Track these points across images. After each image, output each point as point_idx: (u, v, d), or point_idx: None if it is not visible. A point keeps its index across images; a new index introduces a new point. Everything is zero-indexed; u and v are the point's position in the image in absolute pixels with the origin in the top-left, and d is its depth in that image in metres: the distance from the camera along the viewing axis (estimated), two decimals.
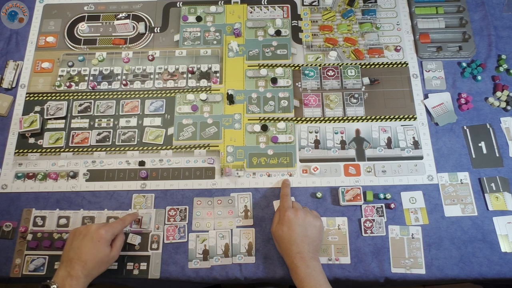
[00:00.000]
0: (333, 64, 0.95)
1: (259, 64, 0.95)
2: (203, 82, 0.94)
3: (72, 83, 0.94)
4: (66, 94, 0.94)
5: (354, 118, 0.90)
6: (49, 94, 0.94)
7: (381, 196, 0.83)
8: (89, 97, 0.93)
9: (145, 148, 0.89)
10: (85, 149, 0.89)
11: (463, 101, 0.90)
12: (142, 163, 0.87)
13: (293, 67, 0.95)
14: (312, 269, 0.70)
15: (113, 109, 0.92)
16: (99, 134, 0.90)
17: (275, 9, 1.01)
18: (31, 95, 0.94)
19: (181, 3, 1.02)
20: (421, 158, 0.86)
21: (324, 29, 0.98)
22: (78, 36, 0.99)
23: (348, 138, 0.88)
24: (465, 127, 0.89)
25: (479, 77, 0.92)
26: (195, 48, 0.98)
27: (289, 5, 1.01)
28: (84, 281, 0.68)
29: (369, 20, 0.99)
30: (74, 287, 0.67)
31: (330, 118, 0.90)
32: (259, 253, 0.80)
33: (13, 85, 0.94)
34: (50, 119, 0.91)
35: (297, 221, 0.74)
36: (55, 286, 0.66)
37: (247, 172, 0.86)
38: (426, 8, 0.98)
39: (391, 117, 0.90)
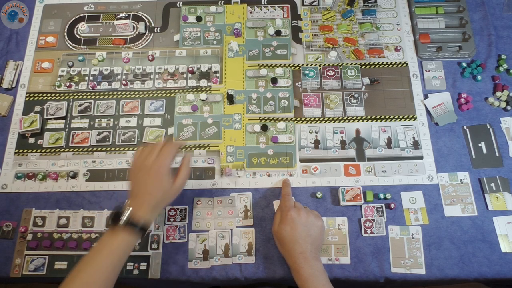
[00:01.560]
0: (333, 64, 0.95)
1: (259, 64, 0.95)
2: (203, 82, 0.94)
3: (72, 83, 0.94)
4: (66, 94, 0.94)
5: (354, 118, 0.90)
6: (49, 94, 0.94)
7: (381, 196, 0.83)
8: (89, 97, 0.93)
9: None
10: (85, 149, 0.89)
11: (463, 101, 0.90)
12: None
13: (293, 67, 0.95)
14: (315, 269, 0.70)
15: (113, 109, 0.92)
16: (99, 134, 0.90)
17: (275, 9, 1.01)
18: (31, 95, 0.94)
19: (181, 3, 1.02)
20: (421, 158, 0.86)
21: (324, 29, 0.98)
22: (78, 36, 0.99)
23: (348, 138, 0.89)
24: (465, 127, 0.89)
25: (479, 77, 0.92)
26: (195, 48, 0.98)
27: (289, 5, 1.01)
28: (152, 213, 0.70)
29: (369, 20, 0.99)
30: (143, 217, 0.68)
31: (330, 118, 0.90)
32: (259, 253, 0.80)
33: (13, 85, 0.94)
34: (50, 119, 0.91)
35: (300, 220, 0.74)
36: (130, 208, 0.68)
37: (247, 172, 0.86)
38: (426, 8, 0.98)
39: (391, 117, 0.90)
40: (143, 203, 0.69)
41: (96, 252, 0.66)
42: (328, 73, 0.94)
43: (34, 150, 0.89)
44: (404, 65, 0.95)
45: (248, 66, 0.95)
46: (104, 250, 0.66)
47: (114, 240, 0.66)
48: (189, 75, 0.95)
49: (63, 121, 0.91)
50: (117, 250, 0.66)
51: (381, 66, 0.95)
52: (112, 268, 0.66)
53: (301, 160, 0.87)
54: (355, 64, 0.95)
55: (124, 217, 0.67)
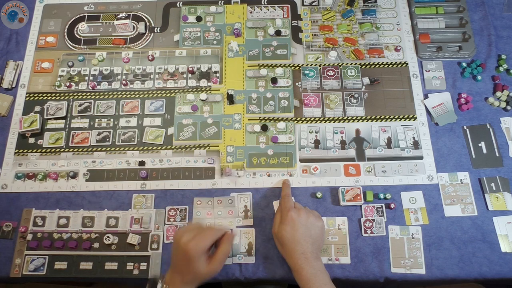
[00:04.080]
0: (333, 64, 0.95)
1: (259, 64, 0.95)
2: (203, 82, 0.94)
3: (72, 83, 0.94)
4: (66, 94, 0.94)
5: (354, 118, 0.90)
6: (49, 94, 0.94)
7: (381, 196, 0.83)
8: (89, 97, 0.93)
9: (145, 148, 0.89)
10: (85, 149, 0.89)
11: (463, 101, 0.90)
12: (142, 163, 0.87)
13: (293, 67, 0.95)
14: (317, 270, 0.70)
15: (113, 109, 0.92)
16: (99, 134, 0.90)
17: (275, 9, 1.01)
18: (31, 95, 0.94)
19: (181, 3, 1.02)
20: (421, 158, 0.86)
21: (324, 29, 0.98)
22: (78, 36, 0.99)
23: (348, 138, 0.89)
24: (465, 127, 0.89)
25: (479, 77, 0.92)
26: (195, 48, 0.98)
27: (289, 5, 1.01)
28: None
29: (369, 20, 0.99)
30: None
31: (330, 118, 0.90)
32: (259, 253, 0.80)
33: (13, 85, 0.94)
34: (50, 119, 0.91)
35: (300, 220, 0.74)
36: (161, 285, 0.70)
37: (247, 172, 0.86)
38: (426, 8, 0.98)
39: (391, 117, 0.90)
40: (175, 281, 0.69)
41: None
42: (328, 73, 0.94)
43: (34, 150, 0.89)
44: (404, 65, 0.95)
45: (248, 66, 0.95)
46: None
47: None
48: (189, 75, 0.95)
49: (63, 121, 0.91)
50: None
51: (381, 66, 0.95)
52: None
53: (301, 160, 0.87)
54: (355, 64, 0.95)
55: None
